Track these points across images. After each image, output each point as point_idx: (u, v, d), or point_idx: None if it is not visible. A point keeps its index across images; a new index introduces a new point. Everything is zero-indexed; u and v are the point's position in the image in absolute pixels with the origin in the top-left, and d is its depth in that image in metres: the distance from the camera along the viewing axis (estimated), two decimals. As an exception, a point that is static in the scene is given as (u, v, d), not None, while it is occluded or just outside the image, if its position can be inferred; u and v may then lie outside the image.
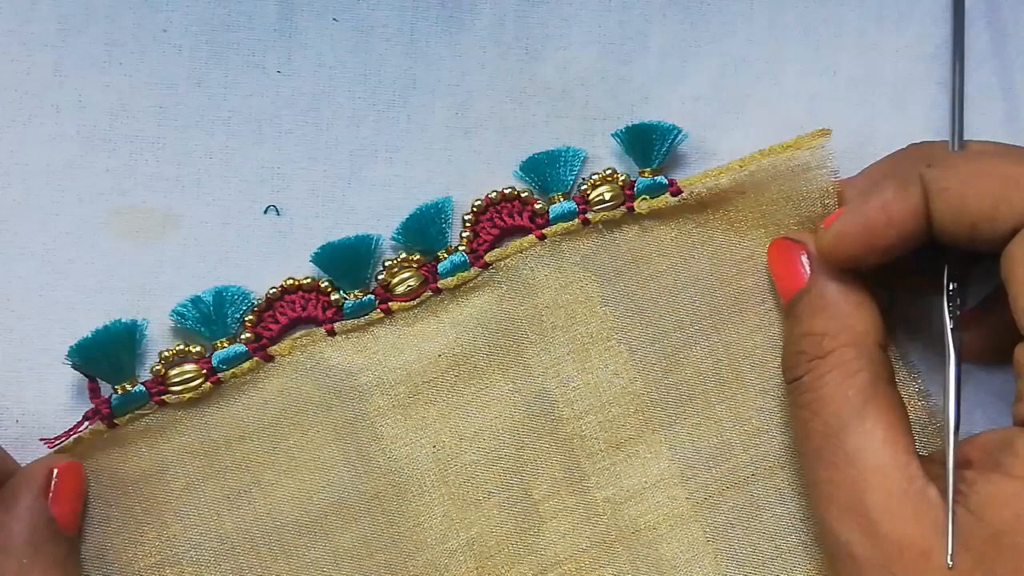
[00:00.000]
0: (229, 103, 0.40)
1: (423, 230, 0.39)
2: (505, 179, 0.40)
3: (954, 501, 0.33)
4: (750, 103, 0.41)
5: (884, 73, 0.41)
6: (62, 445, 0.37)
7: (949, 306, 0.36)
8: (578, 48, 0.41)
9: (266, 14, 0.40)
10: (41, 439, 0.37)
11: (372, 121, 0.40)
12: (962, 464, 0.34)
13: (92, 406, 0.38)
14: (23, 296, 0.39)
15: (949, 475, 0.33)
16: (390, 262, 0.39)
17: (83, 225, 0.39)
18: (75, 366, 0.37)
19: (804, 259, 0.37)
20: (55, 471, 0.36)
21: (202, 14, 0.40)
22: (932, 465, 0.34)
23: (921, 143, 0.39)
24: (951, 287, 0.37)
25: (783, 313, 0.39)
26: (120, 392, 0.38)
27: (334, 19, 0.40)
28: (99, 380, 0.38)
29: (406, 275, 0.39)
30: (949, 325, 0.36)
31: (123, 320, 0.38)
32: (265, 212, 0.40)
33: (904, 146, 0.39)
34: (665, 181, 0.39)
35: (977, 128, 0.41)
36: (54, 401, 0.38)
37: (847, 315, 0.36)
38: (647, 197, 0.39)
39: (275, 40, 0.40)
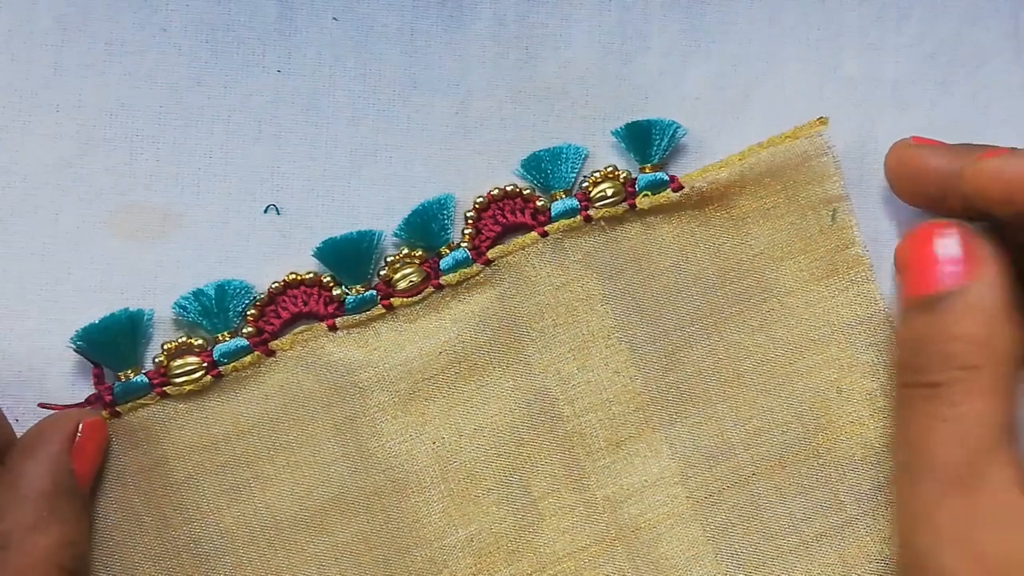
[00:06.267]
0: (229, 102, 0.40)
1: (425, 226, 0.39)
2: (505, 179, 0.40)
3: None
4: (750, 103, 0.41)
5: (884, 73, 0.41)
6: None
7: None
8: (578, 48, 0.41)
9: (266, 14, 0.40)
10: (40, 404, 0.38)
11: (372, 120, 0.40)
12: None
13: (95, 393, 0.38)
14: (23, 296, 0.39)
15: None
16: (392, 258, 0.39)
17: (83, 225, 0.39)
18: (79, 351, 0.38)
19: (955, 245, 0.34)
20: (80, 425, 0.36)
21: (202, 14, 0.40)
22: None
23: None
24: None
25: (907, 305, 0.35)
26: (123, 380, 0.38)
27: (334, 18, 0.40)
28: (103, 367, 0.38)
29: (408, 271, 0.39)
30: None
31: (129, 309, 0.38)
32: (265, 211, 0.40)
33: None
34: (666, 177, 0.39)
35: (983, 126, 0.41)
36: (54, 401, 0.38)
37: (1008, 332, 0.33)
38: (648, 193, 0.39)
39: (275, 39, 0.40)
